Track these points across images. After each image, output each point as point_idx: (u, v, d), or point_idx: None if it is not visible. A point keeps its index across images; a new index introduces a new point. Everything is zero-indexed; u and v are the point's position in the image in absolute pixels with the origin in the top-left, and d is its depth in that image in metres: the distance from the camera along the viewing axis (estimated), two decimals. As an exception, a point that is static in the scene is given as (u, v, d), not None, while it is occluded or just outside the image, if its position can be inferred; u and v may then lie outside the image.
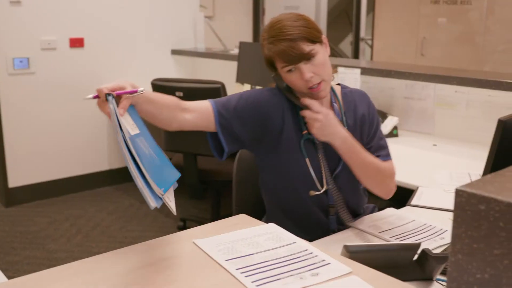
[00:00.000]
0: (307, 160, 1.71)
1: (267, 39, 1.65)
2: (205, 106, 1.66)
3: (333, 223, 1.78)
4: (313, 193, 1.72)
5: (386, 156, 1.79)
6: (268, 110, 1.69)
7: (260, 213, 1.95)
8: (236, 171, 2.03)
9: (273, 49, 1.62)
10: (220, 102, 1.67)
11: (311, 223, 1.77)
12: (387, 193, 1.79)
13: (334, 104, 1.77)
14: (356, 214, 1.84)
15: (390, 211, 1.86)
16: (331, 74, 1.69)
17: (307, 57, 1.60)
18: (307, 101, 1.64)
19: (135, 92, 1.39)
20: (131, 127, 1.30)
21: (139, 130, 1.34)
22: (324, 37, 1.68)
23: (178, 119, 1.58)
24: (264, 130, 1.70)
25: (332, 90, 1.79)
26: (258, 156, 1.79)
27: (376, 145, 1.79)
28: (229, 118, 1.65)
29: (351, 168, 1.68)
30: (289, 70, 1.63)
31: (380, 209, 1.92)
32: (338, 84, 1.86)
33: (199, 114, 1.63)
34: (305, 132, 1.71)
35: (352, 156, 1.66)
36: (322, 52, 1.65)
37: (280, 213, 1.79)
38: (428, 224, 1.73)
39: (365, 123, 1.79)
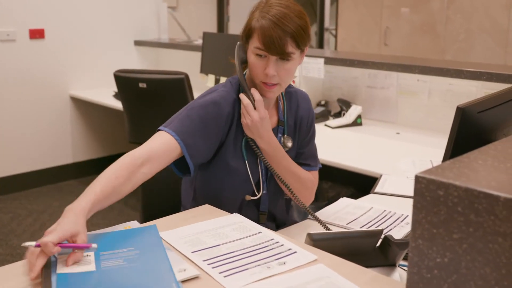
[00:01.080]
0: (246, 162, 1.63)
1: (261, 11, 1.52)
2: (166, 143, 1.48)
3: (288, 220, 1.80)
4: (249, 197, 1.65)
5: (315, 166, 1.77)
6: (221, 122, 1.57)
7: (168, 205, 1.94)
8: None
9: (261, 25, 1.49)
10: (182, 131, 1.50)
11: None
12: (305, 202, 1.67)
13: (280, 102, 1.71)
14: (281, 224, 1.79)
15: (345, 200, 1.85)
16: (288, 83, 1.64)
17: (284, 57, 1.51)
18: (256, 94, 1.56)
19: (88, 247, 1.16)
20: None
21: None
22: (307, 48, 1.59)
23: (140, 180, 1.42)
24: (219, 139, 1.60)
25: None
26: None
27: (308, 152, 1.76)
28: (196, 146, 1.52)
29: (273, 172, 1.63)
30: (259, 54, 1.52)
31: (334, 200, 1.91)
32: None
33: (161, 157, 1.45)
34: (247, 136, 1.62)
35: (274, 161, 1.61)
36: (296, 60, 1.56)
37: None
38: (388, 211, 1.76)
39: (303, 126, 1.73)
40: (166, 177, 2.04)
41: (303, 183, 1.69)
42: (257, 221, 1.59)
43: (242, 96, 1.57)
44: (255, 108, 1.55)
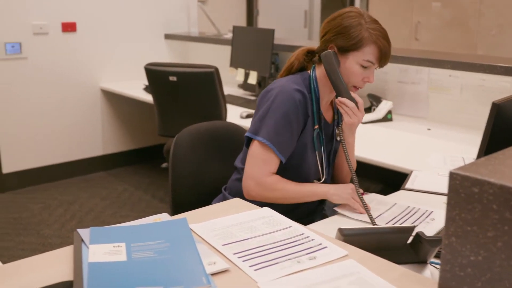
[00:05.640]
0: (316, 152, 1.83)
1: (371, 25, 1.72)
2: (277, 163, 1.77)
3: (320, 213, 1.92)
4: (316, 182, 1.85)
5: None
6: (300, 118, 1.76)
7: (197, 197, 2.03)
8: (172, 157, 2.02)
9: (381, 43, 1.71)
10: (281, 148, 1.74)
11: (302, 210, 1.86)
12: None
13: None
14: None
15: (371, 196, 1.87)
16: None
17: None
18: (358, 98, 1.77)
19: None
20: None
21: None
22: None
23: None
24: (299, 131, 1.80)
25: None
26: None
27: None
28: (290, 151, 1.78)
29: (346, 158, 1.80)
30: (364, 66, 1.73)
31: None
32: None
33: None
34: (316, 126, 1.81)
35: (350, 149, 1.85)
36: None
37: None
38: (412, 207, 1.75)
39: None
40: (194, 171, 2.06)
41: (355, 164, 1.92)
42: (320, 201, 1.90)
43: (344, 100, 1.75)
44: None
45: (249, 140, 1.79)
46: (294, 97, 1.72)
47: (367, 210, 1.68)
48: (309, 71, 1.84)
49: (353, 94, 1.76)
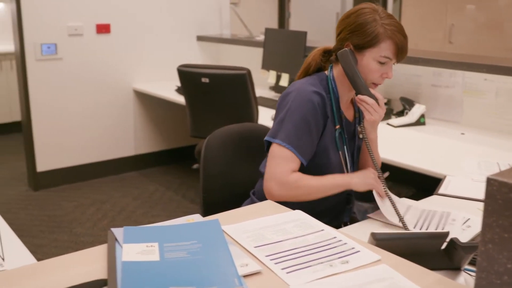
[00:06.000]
0: (339, 152, 1.82)
1: (386, 20, 1.71)
2: (298, 163, 1.75)
3: (348, 214, 1.91)
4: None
5: None
6: (319, 120, 1.76)
7: (227, 198, 2.04)
8: (203, 158, 2.03)
9: (397, 38, 1.70)
10: (302, 150, 1.73)
11: (327, 210, 1.84)
12: None
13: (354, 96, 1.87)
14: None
15: (405, 201, 1.84)
16: None
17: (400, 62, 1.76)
18: (378, 94, 1.75)
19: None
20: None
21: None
22: None
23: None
24: (319, 133, 1.80)
25: None
26: None
27: None
28: (310, 153, 1.77)
29: (370, 155, 1.81)
30: (382, 62, 1.71)
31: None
32: None
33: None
34: (338, 127, 1.80)
35: (374, 146, 1.85)
36: None
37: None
38: (447, 212, 1.72)
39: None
40: (225, 172, 2.06)
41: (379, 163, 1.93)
42: (348, 201, 1.91)
43: (364, 97, 1.74)
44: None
45: (269, 145, 1.78)
46: (312, 100, 1.72)
47: (393, 203, 1.69)
48: (326, 71, 1.84)
49: (373, 91, 1.75)
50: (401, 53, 1.71)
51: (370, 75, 1.74)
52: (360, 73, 1.73)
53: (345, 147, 1.84)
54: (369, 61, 1.72)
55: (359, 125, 1.86)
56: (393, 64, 1.75)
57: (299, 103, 1.73)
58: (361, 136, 1.84)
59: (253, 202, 1.89)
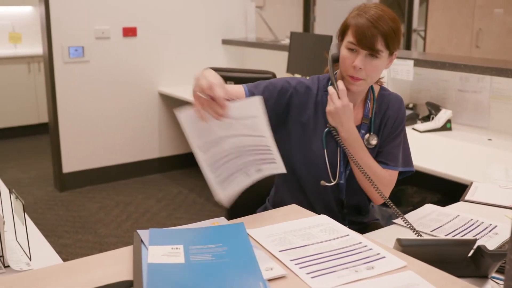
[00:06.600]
0: (325, 150, 1.77)
1: (359, 11, 1.68)
2: (239, 89, 1.73)
3: (344, 219, 1.85)
4: (324, 183, 1.78)
5: (394, 166, 1.80)
6: (292, 98, 1.75)
7: (251, 201, 2.02)
8: None
9: (357, 22, 1.66)
10: (251, 84, 1.75)
11: (323, 210, 1.80)
12: (376, 200, 1.83)
13: (368, 101, 1.81)
14: (359, 212, 1.91)
15: (430, 207, 1.81)
16: (374, 81, 1.77)
17: (373, 53, 1.65)
18: (340, 84, 1.70)
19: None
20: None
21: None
22: (396, 53, 1.73)
23: None
24: (286, 115, 1.77)
25: (372, 89, 1.82)
26: (284, 129, 1.81)
27: (386, 151, 1.81)
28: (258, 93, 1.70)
29: (350, 159, 1.74)
30: (350, 49, 1.67)
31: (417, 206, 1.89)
32: (380, 85, 1.87)
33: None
34: (329, 124, 1.75)
35: (352, 150, 1.73)
36: (384, 61, 1.70)
37: (296, 190, 1.85)
38: (475, 219, 1.69)
39: (388, 125, 1.81)
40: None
41: (378, 178, 1.75)
42: (338, 208, 1.82)
43: (329, 88, 1.72)
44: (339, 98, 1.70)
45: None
46: (288, 81, 1.77)
47: (389, 203, 1.59)
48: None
49: (339, 83, 1.70)
50: (360, 37, 1.64)
51: (343, 65, 1.70)
52: (340, 65, 1.73)
53: (338, 148, 1.77)
54: (342, 49, 1.71)
55: (368, 133, 1.80)
56: (365, 55, 1.65)
57: (287, 78, 1.79)
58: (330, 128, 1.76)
59: (267, 209, 1.88)
